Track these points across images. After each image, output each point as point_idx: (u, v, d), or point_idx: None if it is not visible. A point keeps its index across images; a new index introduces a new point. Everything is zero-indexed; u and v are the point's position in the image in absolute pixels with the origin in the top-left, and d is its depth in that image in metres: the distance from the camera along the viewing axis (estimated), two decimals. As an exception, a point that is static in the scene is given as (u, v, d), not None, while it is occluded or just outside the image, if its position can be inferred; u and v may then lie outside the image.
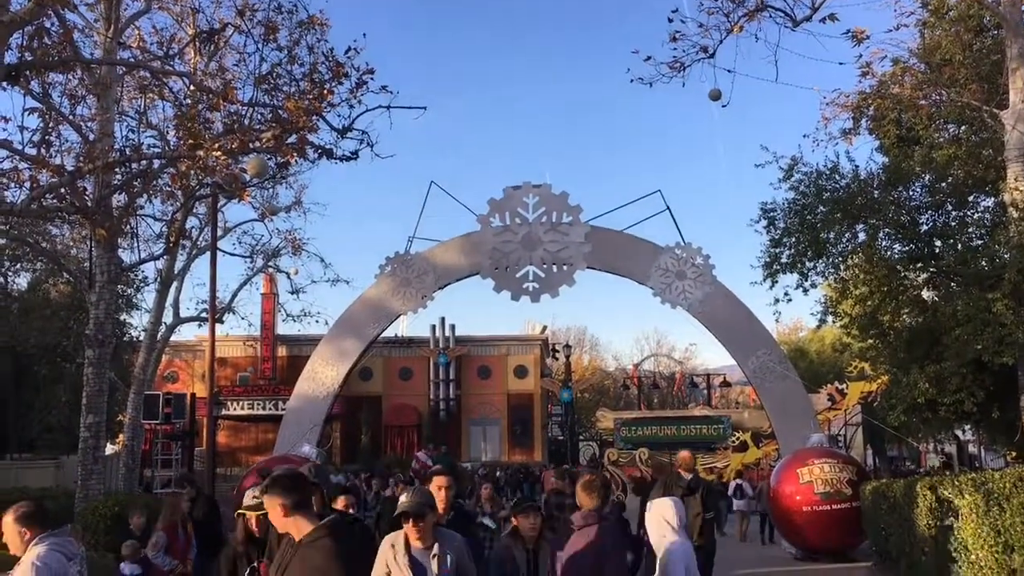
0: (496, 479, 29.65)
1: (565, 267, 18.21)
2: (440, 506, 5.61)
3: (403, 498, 4.66)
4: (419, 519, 4.53)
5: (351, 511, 5.43)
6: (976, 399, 15.27)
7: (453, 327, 46.29)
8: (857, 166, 18.58)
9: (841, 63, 37.07)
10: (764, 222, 18.87)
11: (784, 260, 18.49)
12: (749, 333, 17.71)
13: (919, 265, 18.27)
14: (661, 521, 6.19)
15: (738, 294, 18.10)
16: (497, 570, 5.79)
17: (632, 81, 14.72)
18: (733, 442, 33.44)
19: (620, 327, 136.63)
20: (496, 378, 46.52)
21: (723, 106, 13.95)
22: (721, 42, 14.00)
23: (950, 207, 18.62)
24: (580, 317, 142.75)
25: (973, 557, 10.24)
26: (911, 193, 18.84)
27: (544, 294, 18.20)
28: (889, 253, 18.37)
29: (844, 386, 31.97)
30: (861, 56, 16.95)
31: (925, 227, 18.55)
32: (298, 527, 3.54)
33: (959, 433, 21.14)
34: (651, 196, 19.47)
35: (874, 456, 29.33)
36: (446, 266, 18.69)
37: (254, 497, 4.99)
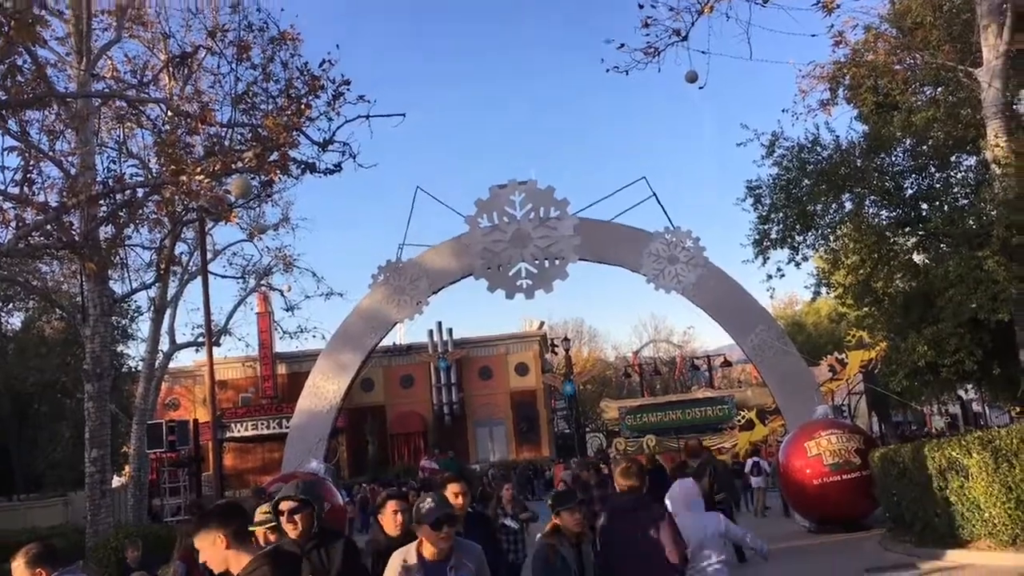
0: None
1: (557, 261, 18.24)
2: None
3: (425, 505, 4.34)
4: (454, 524, 4.32)
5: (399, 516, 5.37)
6: (976, 358, 15.29)
7: (451, 330, 46.30)
8: (838, 136, 18.64)
9: (813, 35, 37.13)
10: (751, 200, 18.90)
11: (773, 236, 18.53)
12: (745, 311, 17.77)
13: (907, 229, 18.33)
14: (673, 502, 6.81)
15: (731, 273, 18.18)
16: (544, 571, 5.67)
17: (608, 71, 14.74)
18: (739, 421, 33.54)
19: (617, 316, 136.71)
20: (498, 378, 46.52)
21: (700, 87, 13.98)
22: (693, 24, 13.97)
23: (933, 169, 18.65)
24: (576, 310, 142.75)
25: (986, 515, 10.29)
26: (893, 159, 18.89)
27: (538, 290, 18.23)
28: (876, 220, 18.42)
29: (844, 356, 32.07)
30: (833, 26, 16.98)
31: (910, 191, 18.60)
32: (238, 560, 3.24)
33: (961, 393, 21.22)
34: (637, 183, 19.47)
35: (879, 423, 29.42)
36: (438, 270, 18.70)
37: (263, 513, 4.97)
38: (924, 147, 18.35)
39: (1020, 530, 9.94)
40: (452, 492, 5.84)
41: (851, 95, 19.33)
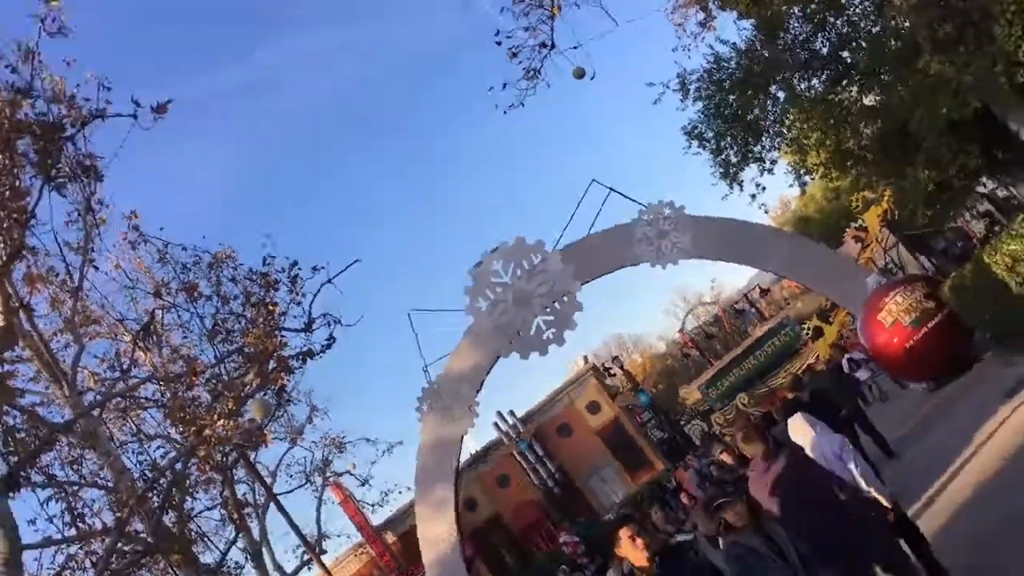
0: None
1: (565, 298, 18.20)
2: (643, 556, 5.30)
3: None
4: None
5: None
6: (975, 153, 15.19)
7: (512, 412, 46.03)
8: (734, 43, 18.81)
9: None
10: (695, 143, 18.99)
11: (734, 160, 18.58)
12: (750, 238, 17.67)
13: (844, 83, 18.39)
14: (800, 431, 7.59)
15: (720, 214, 18.15)
16: (743, 570, 5.58)
17: (505, 112, 14.99)
18: (807, 334, 33.14)
19: (644, 312, 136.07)
20: (578, 428, 46.07)
21: (591, 79, 14.13)
22: (552, 30, 14.26)
23: (831, 18, 18.74)
24: (606, 328, 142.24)
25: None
26: (792, 32, 19.01)
27: (564, 332, 18.15)
28: (812, 91, 18.48)
29: (860, 222, 31.84)
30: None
31: (824, 49, 18.67)
32: None
33: (981, 189, 21.01)
34: (592, 188, 19.52)
35: (929, 259, 29.09)
36: (469, 370, 18.62)
37: None
38: (812, 5, 18.44)
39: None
40: (628, 536, 5.49)
41: (721, 1, 19.54)
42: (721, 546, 5.91)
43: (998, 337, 13.09)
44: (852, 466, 7.19)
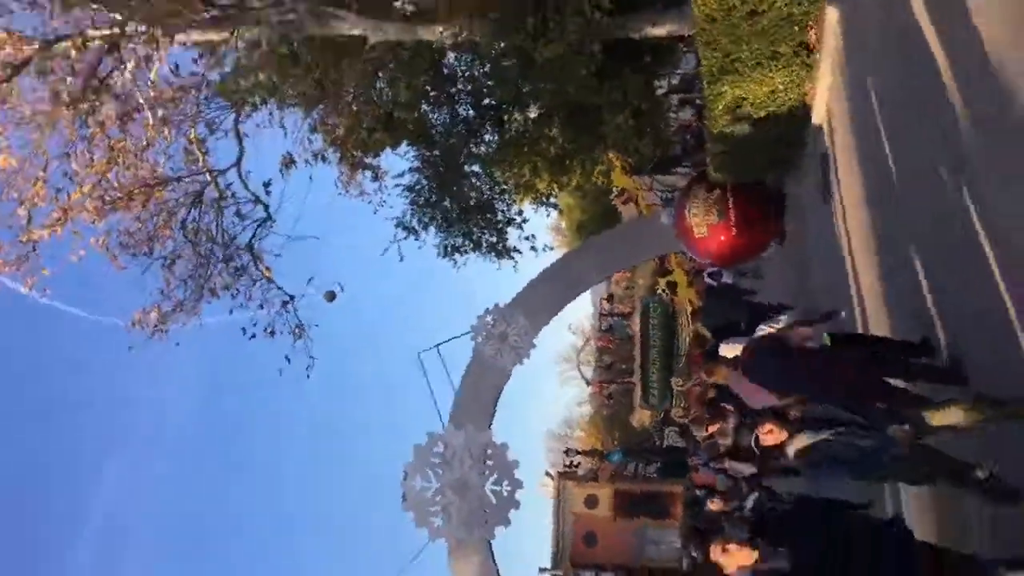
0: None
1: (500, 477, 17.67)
2: (741, 554, 5.47)
3: None
4: None
5: None
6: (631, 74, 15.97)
7: (543, 568, 44.37)
8: (409, 167, 19.48)
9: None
10: (454, 258, 19.45)
11: (492, 240, 19.09)
12: (562, 276, 18.21)
13: (507, 117, 19.17)
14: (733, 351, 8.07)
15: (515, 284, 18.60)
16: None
17: (308, 376, 15.11)
18: (667, 295, 34.08)
19: (547, 395, 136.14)
20: (595, 526, 44.82)
21: (342, 291, 14.35)
22: (279, 286, 14.43)
23: (449, 90, 19.49)
24: (533, 438, 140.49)
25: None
26: (439, 124, 19.60)
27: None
28: (494, 144, 19.09)
29: (616, 189, 33.26)
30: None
31: (468, 111, 19.36)
32: None
33: (662, 90, 22.68)
34: (426, 358, 19.60)
35: (682, 166, 30.74)
36: None
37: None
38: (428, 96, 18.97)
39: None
40: (721, 550, 5.63)
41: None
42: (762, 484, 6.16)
43: (776, 172, 14.15)
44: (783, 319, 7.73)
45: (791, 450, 6.05)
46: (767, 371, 6.77)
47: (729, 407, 9.55)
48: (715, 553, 5.44)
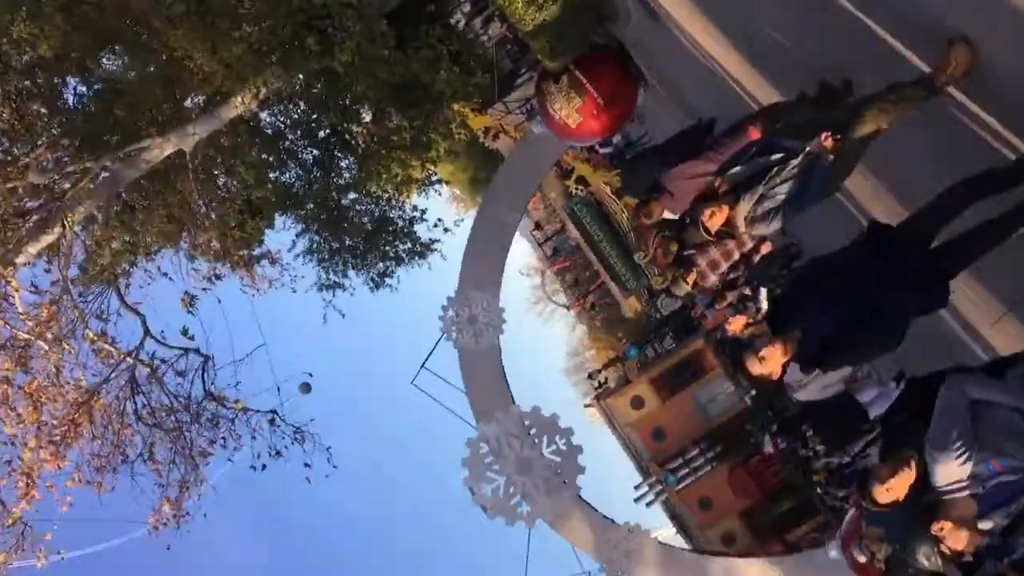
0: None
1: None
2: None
3: None
4: None
5: None
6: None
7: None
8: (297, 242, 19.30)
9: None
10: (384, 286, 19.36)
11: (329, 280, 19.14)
12: (485, 233, 18.10)
13: (350, 137, 18.93)
14: None
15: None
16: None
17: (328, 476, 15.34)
18: (582, 191, 34.18)
19: (542, 341, 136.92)
20: (661, 421, 45.53)
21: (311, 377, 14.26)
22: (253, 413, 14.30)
23: (284, 158, 18.96)
24: (554, 376, 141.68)
25: None
26: (297, 183, 19.33)
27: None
28: (351, 174, 18.87)
29: (480, 131, 33.05)
30: None
31: (310, 154, 19.06)
32: None
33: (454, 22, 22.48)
34: (422, 381, 19.40)
35: (517, 73, 30.70)
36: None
37: None
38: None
39: None
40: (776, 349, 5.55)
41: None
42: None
43: (602, 29, 14.14)
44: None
45: (740, 220, 5.94)
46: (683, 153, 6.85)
47: (693, 252, 9.56)
48: (754, 368, 5.28)
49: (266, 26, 13.30)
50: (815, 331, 5.12)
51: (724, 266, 9.64)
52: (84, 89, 15.73)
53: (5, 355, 13.23)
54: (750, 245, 9.72)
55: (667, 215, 8.15)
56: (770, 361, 5.21)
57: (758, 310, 9.79)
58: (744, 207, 5.87)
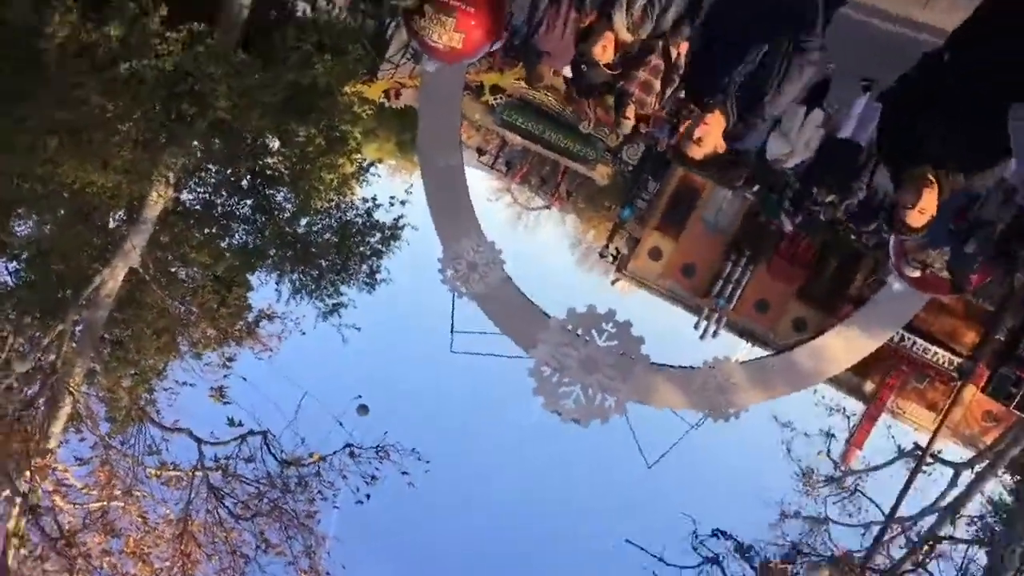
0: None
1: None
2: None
3: None
4: None
5: None
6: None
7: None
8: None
9: None
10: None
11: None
12: (438, 177, 17.99)
13: (270, 156, 18.69)
14: None
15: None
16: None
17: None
18: (501, 100, 33.81)
19: (549, 251, 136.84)
20: (691, 256, 45.76)
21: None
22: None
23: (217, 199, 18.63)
24: (569, 286, 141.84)
25: None
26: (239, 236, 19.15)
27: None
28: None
29: (380, 97, 32.55)
30: None
31: (243, 207, 18.86)
32: None
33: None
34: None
35: (390, 24, 30.15)
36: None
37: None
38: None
39: None
40: None
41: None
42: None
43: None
44: None
45: (625, 35, 5.67)
46: None
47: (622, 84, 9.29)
48: (697, 153, 5.05)
49: (138, 117, 13.08)
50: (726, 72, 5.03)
51: (656, 84, 9.40)
52: (14, 264, 15.63)
53: (92, 532, 13.39)
54: (660, 47, 9.43)
55: (566, 73, 7.93)
56: (708, 138, 5.03)
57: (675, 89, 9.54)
58: (620, 20, 5.61)
